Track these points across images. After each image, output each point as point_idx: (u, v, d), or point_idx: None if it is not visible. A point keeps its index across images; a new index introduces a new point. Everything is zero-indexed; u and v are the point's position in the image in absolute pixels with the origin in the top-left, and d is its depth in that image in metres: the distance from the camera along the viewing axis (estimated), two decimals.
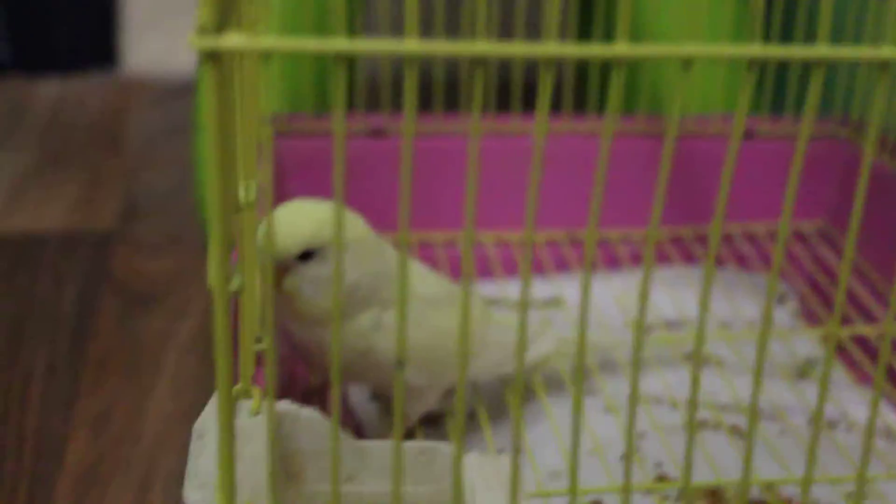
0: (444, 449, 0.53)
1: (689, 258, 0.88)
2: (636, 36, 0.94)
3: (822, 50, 0.36)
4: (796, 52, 0.36)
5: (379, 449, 0.53)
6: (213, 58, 0.36)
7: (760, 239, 0.88)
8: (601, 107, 0.89)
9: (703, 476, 0.65)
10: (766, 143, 0.87)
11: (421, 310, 0.61)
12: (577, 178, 0.86)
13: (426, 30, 1.08)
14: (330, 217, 0.60)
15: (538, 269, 0.87)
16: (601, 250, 0.88)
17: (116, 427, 0.78)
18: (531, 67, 1.01)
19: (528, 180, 0.85)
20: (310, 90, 0.83)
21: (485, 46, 0.35)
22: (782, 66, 0.93)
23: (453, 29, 1.05)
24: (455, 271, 0.83)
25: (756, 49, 0.35)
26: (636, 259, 0.88)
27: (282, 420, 0.52)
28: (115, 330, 0.89)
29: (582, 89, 0.94)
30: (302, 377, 0.74)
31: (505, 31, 0.94)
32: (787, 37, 0.91)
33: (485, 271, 0.86)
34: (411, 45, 0.36)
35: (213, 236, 0.39)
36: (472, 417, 0.73)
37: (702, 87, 0.89)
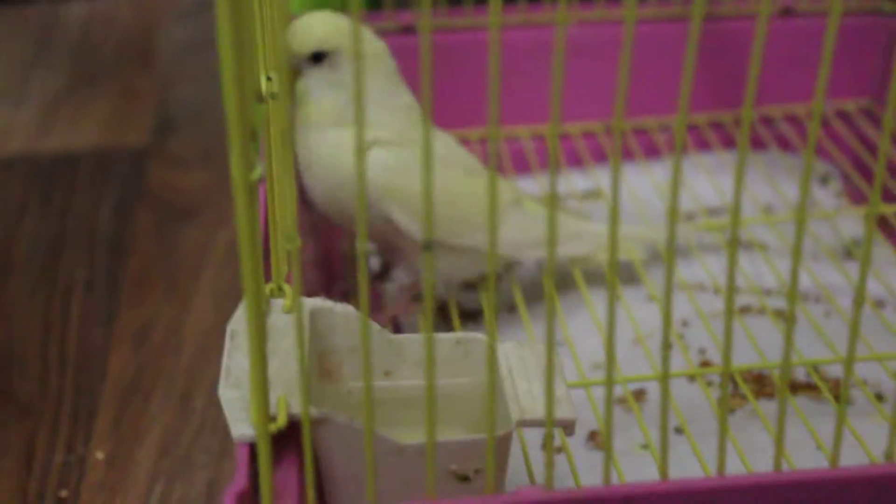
0: (481, 339, 0.52)
1: (730, 143, 0.86)
2: None
3: None
4: None
5: (415, 343, 0.52)
6: None
7: (802, 120, 0.86)
8: None
9: (748, 361, 0.64)
10: (805, 20, 0.84)
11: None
12: (612, 67, 0.84)
13: None
14: (346, 27, 0.62)
15: (575, 160, 0.85)
16: (639, 139, 0.86)
17: (157, 340, 0.78)
18: None
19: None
20: None
21: None
22: None
23: None
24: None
25: None
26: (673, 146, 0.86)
27: (316, 317, 0.51)
28: (153, 245, 0.89)
29: None
30: (341, 277, 0.73)
31: None
32: None
33: (522, 166, 0.85)
34: None
35: (231, 123, 0.38)
36: (512, 310, 0.72)
37: None
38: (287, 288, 0.52)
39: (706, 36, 0.83)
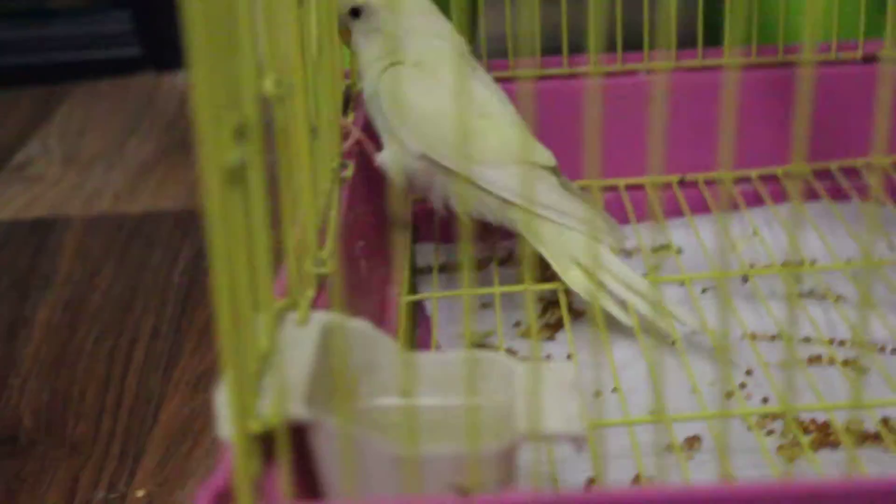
0: (501, 360, 0.49)
1: (809, 195, 0.82)
2: None
3: None
4: None
5: (432, 361, 0.50)
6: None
7: (885, 170, 0.82)
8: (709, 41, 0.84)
9: (812, 410, 0.60)
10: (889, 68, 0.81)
11: (440, 88, 0.69)
12: (686, 118, 0.82)
13: None
14: None
15: (647, 214, 0.83)
16: (713, 191, 0.83)
17: (212, 388, 0.77)
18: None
19: (633, 123, 0.81)
20: None
21: None
22: None
23: None
24: None
25: None
26: (753, 199, 0.82)
27: (329, 332, 0.49)
28: None
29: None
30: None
31: None
32: None
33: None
34: None
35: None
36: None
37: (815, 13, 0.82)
38: (302, 300, 0.50)
39: (784, 84, 0.80)
